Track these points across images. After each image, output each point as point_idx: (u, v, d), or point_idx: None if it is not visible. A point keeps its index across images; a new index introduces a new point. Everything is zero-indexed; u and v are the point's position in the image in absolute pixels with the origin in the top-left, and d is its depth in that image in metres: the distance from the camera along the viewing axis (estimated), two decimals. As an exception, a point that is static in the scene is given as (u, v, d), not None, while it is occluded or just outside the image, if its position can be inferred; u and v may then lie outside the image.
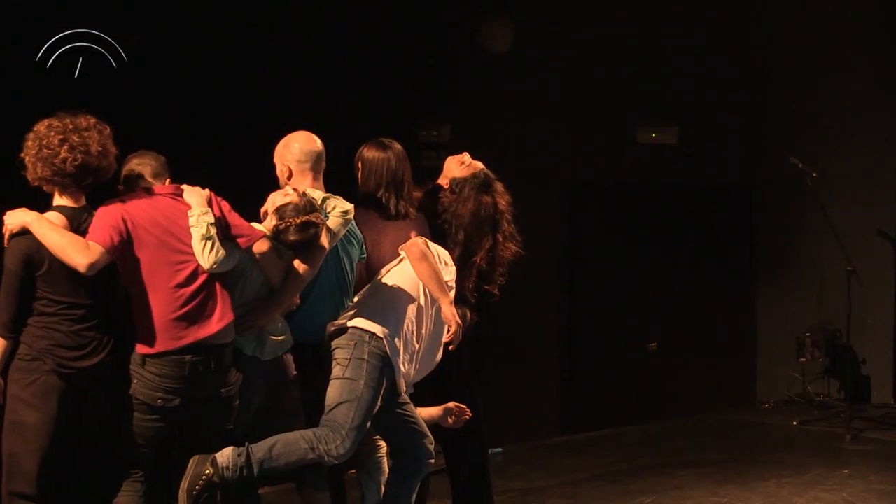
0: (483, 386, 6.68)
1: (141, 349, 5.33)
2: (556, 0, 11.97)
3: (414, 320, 5.94)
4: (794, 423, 10.03)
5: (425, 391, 6.23)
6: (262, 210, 5.77)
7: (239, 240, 5.52)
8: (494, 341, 6.68)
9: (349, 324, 5.83)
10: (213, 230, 5.37)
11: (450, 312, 5.92)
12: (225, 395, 5.48)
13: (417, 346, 5.94)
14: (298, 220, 5.59)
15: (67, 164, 5.24)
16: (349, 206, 5.93)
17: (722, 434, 9.78)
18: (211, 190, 5.57)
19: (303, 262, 5.67)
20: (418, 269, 5.97)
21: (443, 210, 6.49)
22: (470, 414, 6.39)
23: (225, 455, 5.42)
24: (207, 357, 5.37)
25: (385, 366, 5.77)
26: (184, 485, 5.38)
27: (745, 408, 11.02)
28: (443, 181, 6.64)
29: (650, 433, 9.83)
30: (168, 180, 5.60)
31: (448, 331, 5.97)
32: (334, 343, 5.80)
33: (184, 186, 5.52)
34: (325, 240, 5.72)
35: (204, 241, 5.34)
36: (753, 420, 10.38)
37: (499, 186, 6.60)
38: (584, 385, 12.33)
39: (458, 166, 6.64)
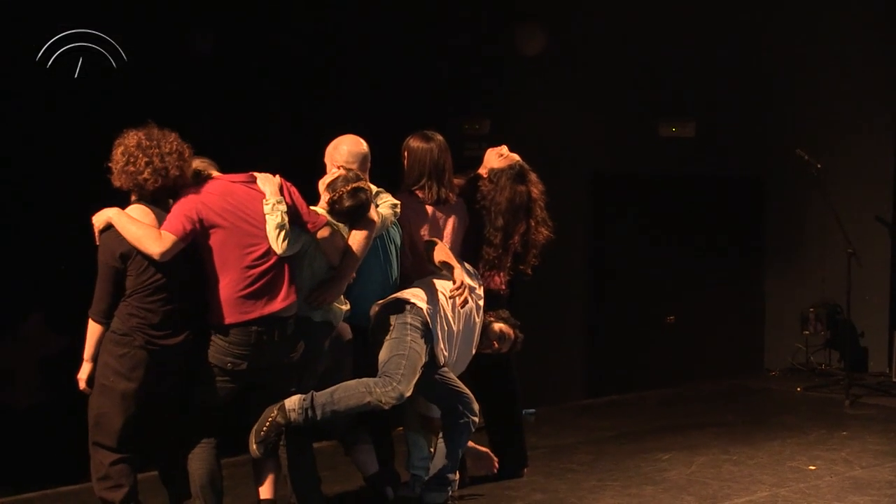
0: (518, 355, 6.70)
1: (214, 320, 5.40)
2: (586, 7, 11.95)
3: (449, 308, 6.00)
4: (798, 389, 9.99)
5: (466, 381, 6.27)
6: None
7: (302, 224, 5.57)
8: (529, 315, 6.69)
9: (394, 295, 5.95)
10: (286, 218, 5.42)
11: (457, 275, 5.95)
12: (287, 361, 5.54)
13: (446, 328, 5.99)
14: (349, 188, 5.66)
15: (148, 184, 5.30)
16: (397, 202, 6.04)
17: (732, 399, 9.75)
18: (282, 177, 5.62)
19: (356, 239, 5.73)
20: (435, 249, 6.10)
21: (481, 197, 6.52)
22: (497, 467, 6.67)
23: (292, 401, 5.51)
24: (271, 328, 5.42)
25: (425, 332, 5.85)
26: (254, 427, 5.50)
27: (754, 375, 10.97)
28: (482, 171, 6.66)
29: (668, 397, 9.82)
30: None
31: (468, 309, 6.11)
32: (380, 315, 5.91)
33: (257, 175, 5.55)
34: (374, 213, 5.78)
35: (278, 230, 5.39)
36: (761, 386, 10.34)
37: (533, 177, 6.61)
38: (609, 354, 12.34)
39: (497, 158, 6.65)
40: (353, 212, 5.70)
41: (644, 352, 12.00)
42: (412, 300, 5.89)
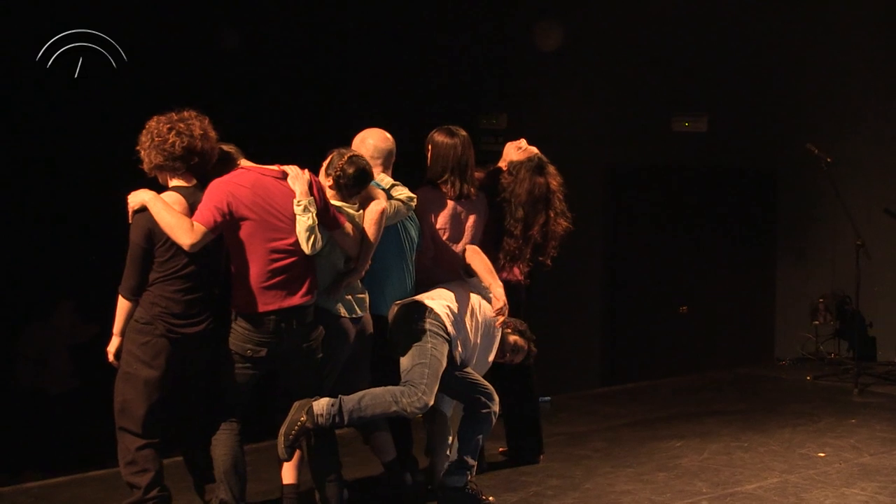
0: (537, 344, 6.67)
1: (235, 308, 5.41)
2: (601, 4, 11.91)
3: (469, 317, 5.98)
4: (808, 378, 9.96)
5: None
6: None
7: (328, 222, 5.54)
8: (547, 305, 6.63)
9: (414, 298, 5.92)
10: (317, 220, 5.40)
11: (498, 293, 6.01)
12: (306, 348, 5.52)
13: (464, 335, 5.95)
14: (345, 159, 5.62)
15: (176, 147, 5.31)
16: (413, 195, 6.00)
17: (744, 387, 9.72)
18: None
19: (369, 226, 5.70)
20: (475, 261, 6.11)
21: (502, 190, 6.49)
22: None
23: (321, 405, 5.48)
24: (289, 318, 5.42)
25: (445, 337, 5.82)
26: (282, 430, 5.47)
27: (765, 364, 10.95)
28: (502, 164, 6.64)
29: (681, 385, 9.80)
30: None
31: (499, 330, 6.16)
32: (400, 317, 5.88)
33: (287, 170, 5.52)
34: (380, 195, 5.76)
35: (308, 232, 5.37)
36: (772, 375, 10.31)
37: (551, 169, 6.58)
38: (624, 343, 12.31)
39: (516, 151, 6.63)
40: (359, 177, 5.65)
41: (658, 341, 11.98)
42: (431, 305, 5.85)
